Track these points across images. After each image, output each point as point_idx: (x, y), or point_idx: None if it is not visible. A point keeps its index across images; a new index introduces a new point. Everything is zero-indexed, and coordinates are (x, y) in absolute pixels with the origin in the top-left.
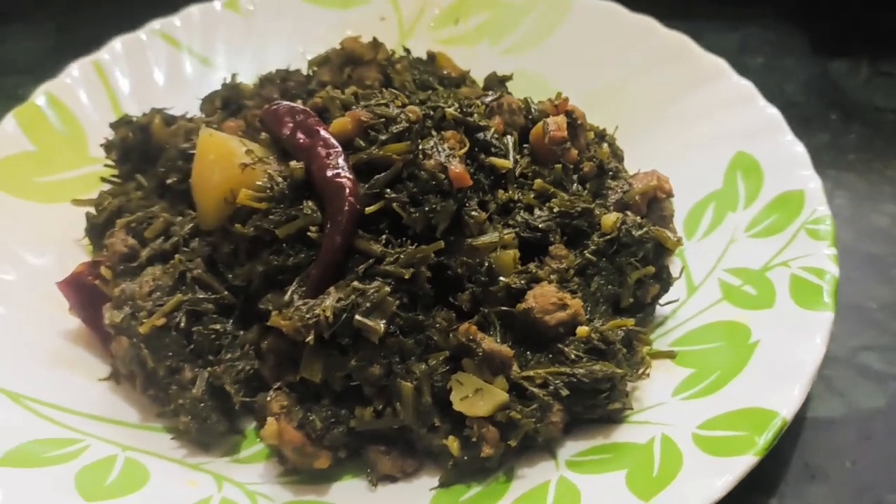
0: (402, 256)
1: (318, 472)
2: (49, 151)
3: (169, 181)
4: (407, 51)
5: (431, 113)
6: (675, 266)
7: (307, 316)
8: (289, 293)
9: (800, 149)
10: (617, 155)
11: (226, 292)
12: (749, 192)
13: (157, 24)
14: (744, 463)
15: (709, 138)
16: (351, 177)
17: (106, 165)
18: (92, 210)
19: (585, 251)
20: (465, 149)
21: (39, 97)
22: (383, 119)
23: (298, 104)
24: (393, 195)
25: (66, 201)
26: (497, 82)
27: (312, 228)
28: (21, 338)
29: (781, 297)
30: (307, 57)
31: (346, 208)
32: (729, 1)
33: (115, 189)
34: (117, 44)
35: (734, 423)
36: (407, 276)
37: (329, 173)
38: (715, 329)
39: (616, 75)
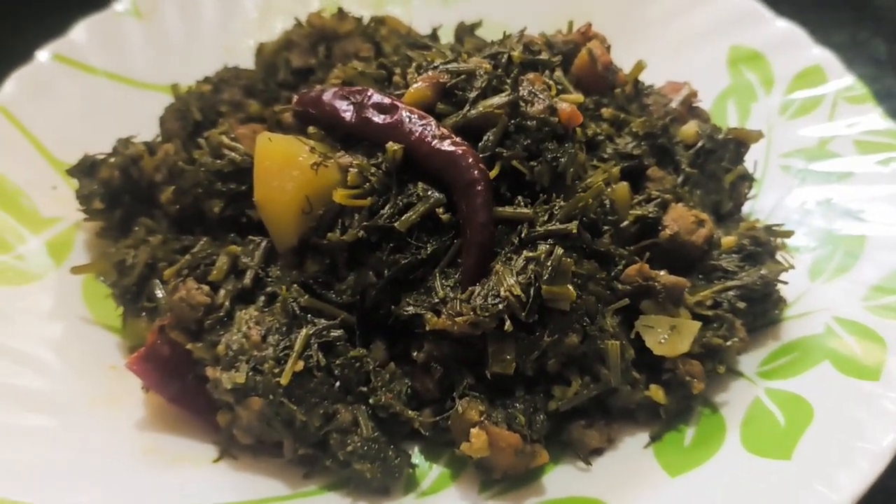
0: (555, 211)
1: (522, 475)
2: None
3: (216, 209)
4: (357, 19)
5: (495, 62)
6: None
7: (490, 303)
8: (439, 289)
9: (796, 29)
10: None
11: (344, 314)
12: (764, 81)
13: (49, 49)
14: None
15: (695, 39)
16: (465, 143)
17: (86, 219)
18: (101, 274)
19: (682, 166)
20: (555, 89)
21: None
22: (463, 76)
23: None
24: (509, 153)
25: (41, 277)
26: (468, 31)
27: (439, 210)
28: (105, 454)
29: (857, 163)
30: (233, 53)
31: (478, 175)
32: None
33: (128, 241)
34: (12, 82)
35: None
36: (574, 230)
37: (439, 145)
38: (808, 210)
39: (569, 4)
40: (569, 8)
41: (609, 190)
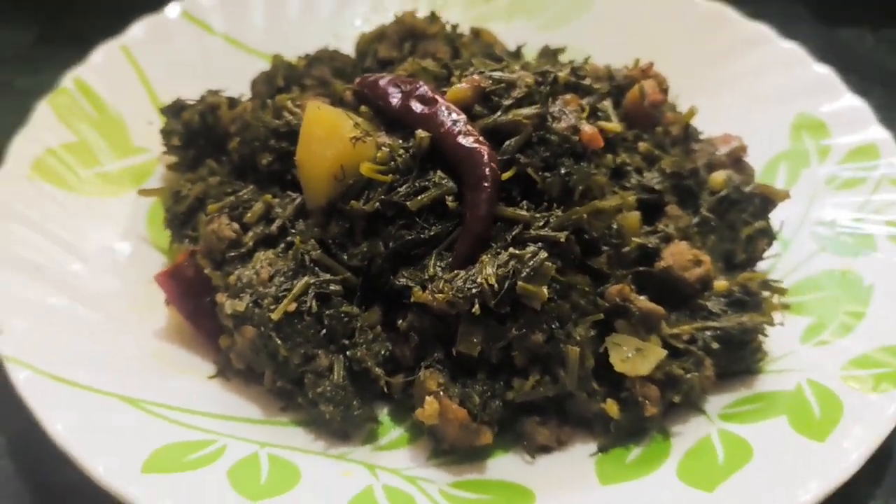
0: (551, 220)
1: (470, 451)
2: (89, 142)
3: (263, 162)
4: (454, 27)
5: (540, 79)
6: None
7: (467, 286)
8: (431, 267)
9: (861, 104)
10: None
11: (349, 274)
12: (820, 150)
13: (180, 5)
14: None
15: (765, 102)
16: (486, 143)
17: (165, 153)
18: (163, 200)
19: (701, 209)
20: (587, 112)
21: (68, 83)
22: (503, 84)
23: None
24: (526, 160)
25: (118, 195)
26: (550, 55)
27: (449, 198)
28: (118, 341)
29: (881, 242)
30: (341, 40)
31: (489, 173)
32: None
33: (190, 176)
34: (141, 27)
35: (878, 361)
36: (563, 239)
37: (462, 140)
38: (823, 278)
39: (657, 46)
40: (653, 51)
41: (620, 216)
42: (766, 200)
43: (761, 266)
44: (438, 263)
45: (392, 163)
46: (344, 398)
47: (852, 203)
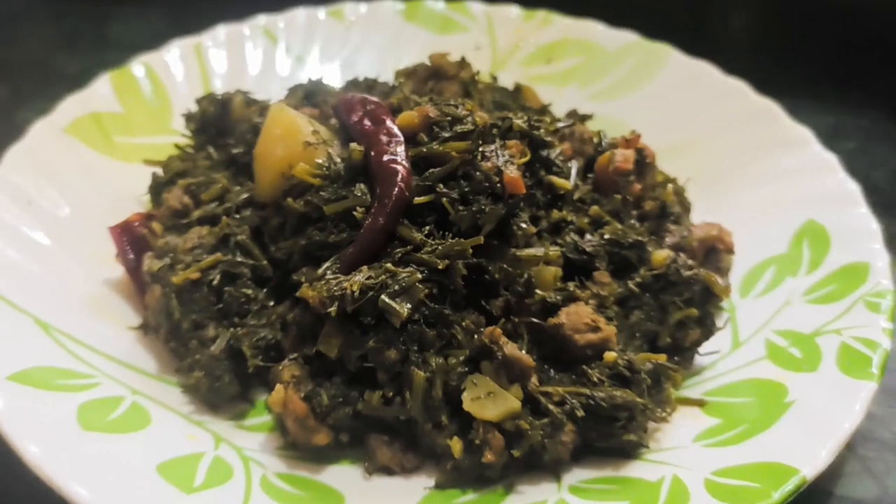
0: (440, 247)
1: (316, 451)
2: (134, 115)
3: (235, 152)
4: (494, 77)
5: (499, 123)
6: (722, 318)
7: (335, 289)
8: (323, 268)
9: (873, 225)
10: (684, 205)
11: (265, 262)
12: (813, 260)
13: (262, 19)
14: None
15: (782, 202)
16: (406, 165)
17: (183, 135)
18: (159, 170)
19: (630, 282)
20: (526, 159)
21: (137, 66)
22: (450, 118)
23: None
24: (444, 191)
25: (139, 162)
26: (577, 118)
27: (359, 209)
28: (64, 275)
29: (827, 362)
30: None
31: (395, 192)
32: (827, 83)
33: (184, 155)
34: (220, 31)
35: (752, 475)
36: (441, 267)
37: (385, 158)
38: (751, 385)
39: (698, 132)
40: (691, 135)
41: (537, 268)
42: (708, 291)
43: (701, 361)
44: (332, 266)
45: (325, 169)
46: (215, 368)
47: (819, 319)
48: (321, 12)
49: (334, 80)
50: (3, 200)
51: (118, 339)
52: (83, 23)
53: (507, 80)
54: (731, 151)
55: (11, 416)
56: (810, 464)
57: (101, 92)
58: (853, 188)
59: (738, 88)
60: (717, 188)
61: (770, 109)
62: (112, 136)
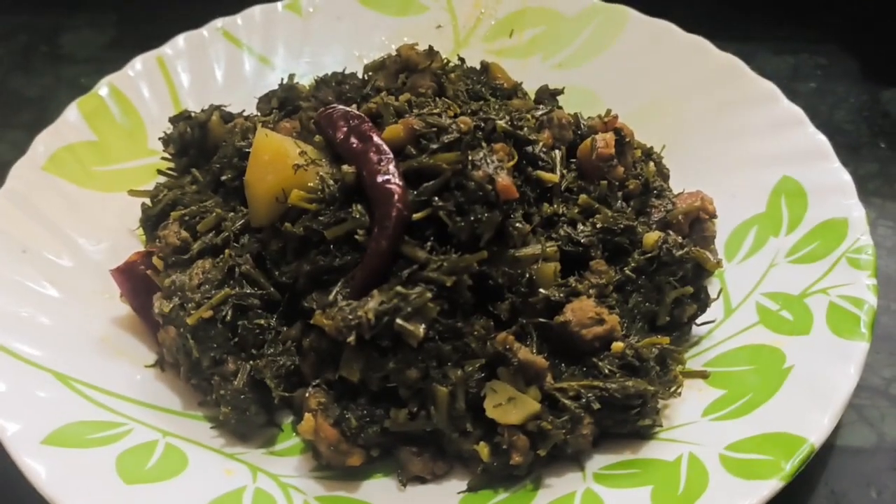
0: (445, 264)
1: (350, 469)
2: (109, 142)
3: (224, 178)
4: (461, 60)
5: (482, 125)
6: (713, 287)
7: (350, 317)
8: (333, 293)
9: (846, 177)
10: (663, 173)
11: (272, 289)
12: (792, 218)
13: (219, 22)
14: (769, 487)
15: (755, 161)
16: (400, 183)
17: (163, 158)
18: (147, 201)
19: (625, 268)
20: (514, 161)
21: (102, 88)
22: (435, 128)
23: (353, 109)
24: (440, 203)
25: (123, 191)
26: (548, 95)
27: (360, 232)
28: (73, 322)
29: (818, 324)
30: (364, 61)
31: (394, 214)
32: (782, 25)
33: (171, 182)
34: (180, 40)
35: (762, 447)
36: (449, 284)
37: (379, 179)
38: (750, 352)
39: (665, 94)
40: (659, 97)
41: (536, 266)
42: (700, 268)
43: (697, 332)
44: (342, 291)
45: (319, 193)
46: (241, 402)
47: (805, 279)
48: (278, 5)
49: (302, 77)
50: None
51: (137, 379)
52: (34, 38)
53: (473, 59)
54: (699, 111)
55: (55, 483)
56: (816, 432)
57: (71, 122)
58: (822, 140)
59: (700, 46)
60: (687, 150)
61: (734, 65)
62: (90, 166)
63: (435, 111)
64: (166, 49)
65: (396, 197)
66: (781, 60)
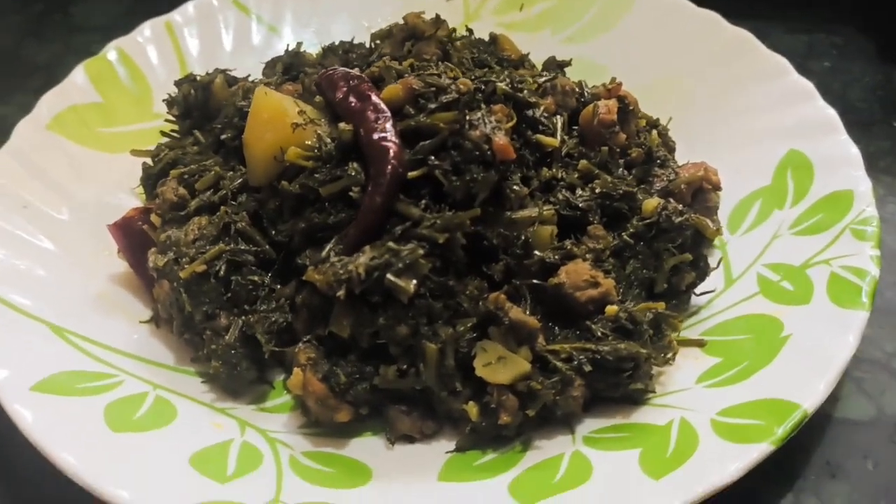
0: (438, 221)
1: (338, 426)
2: (115, 104)
3: (223, 137)
4: (469, 31)
5: (483, 87)
6: (714, 257)
7: (340, 272)
8: (326, 250)
9: (853, 150)
10: (668, 145)
11: (267, 246)
12: (798, 190)
13: None
14: (759, 451)
15: (763, 134)
16: (396, 141)
17: (166, 120)
18: (149, 161)
19: (623, 233)
20: (512, 123)
21: (111, 52)
22: (434, 88)
23: (355, 71)
24: (436, 162)
25: (126, 151)
26: (555, 66)
27: (355, 189)
28: (69, 276)
29: (818, 294)
30: (372, 31)
31: (389, 170)
32: (797, 4)
33: (173, 142)
34: (189, 7)
35: (754, 412)
36: (441, 241)
37: (375, 136)
38: (748, 321)
39: (676, 68)
40: (670, 71)
41: (533, 228)
42: (700, 235)
43: (696, 301)
44: (335, 247)
45: (316, 150)
46: (232, 357)
47: (808, 250)
48: None
49: (310, 46)
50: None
51: (131, 334)
52: (49, 6)
53: (481, 31)
54: (710, 85)
55: (41, 427)
56: (810, 398)
57: (78, 83)
58: (831, 113)
59: (712, 19)
60: (697, 124)
61: (745, 39)
62: (95, 127)
63: (435, 72)
64: (175, 15)
65: (392, 154)
66: (795, 39)
